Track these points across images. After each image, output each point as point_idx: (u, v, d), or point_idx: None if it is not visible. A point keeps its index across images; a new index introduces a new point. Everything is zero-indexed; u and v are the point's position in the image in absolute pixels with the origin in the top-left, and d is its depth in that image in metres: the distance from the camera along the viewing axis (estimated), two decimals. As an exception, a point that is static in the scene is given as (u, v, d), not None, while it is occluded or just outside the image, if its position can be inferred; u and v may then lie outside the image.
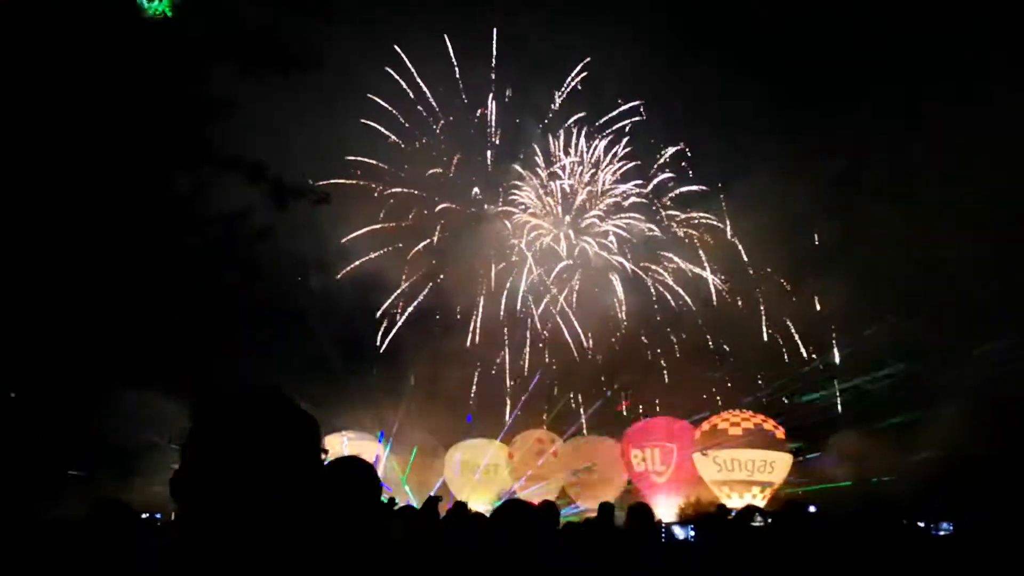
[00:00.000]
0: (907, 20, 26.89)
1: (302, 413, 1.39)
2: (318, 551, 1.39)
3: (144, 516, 11.34)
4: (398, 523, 2.42)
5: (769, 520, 4.62)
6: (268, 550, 1.22)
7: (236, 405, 1.32)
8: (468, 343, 31.42)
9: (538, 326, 32.03)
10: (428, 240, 31.85)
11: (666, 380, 30.56)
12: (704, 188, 32.66)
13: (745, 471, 22.68)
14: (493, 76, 32.57)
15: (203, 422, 1.29)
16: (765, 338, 30.71)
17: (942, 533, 10.57)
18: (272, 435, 1.29)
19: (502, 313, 31.73)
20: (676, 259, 32.20)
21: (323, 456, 1.43)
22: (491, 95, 32.94)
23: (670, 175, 33.10)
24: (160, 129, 7.22)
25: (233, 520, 1.21)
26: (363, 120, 31.18)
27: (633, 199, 33.25)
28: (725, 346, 31.04)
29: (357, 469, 2.48)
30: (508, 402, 30.45)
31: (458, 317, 31.62)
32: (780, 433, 23.22)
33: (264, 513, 1.22)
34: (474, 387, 30.59)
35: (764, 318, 30.73)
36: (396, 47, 31.14)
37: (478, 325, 31.73)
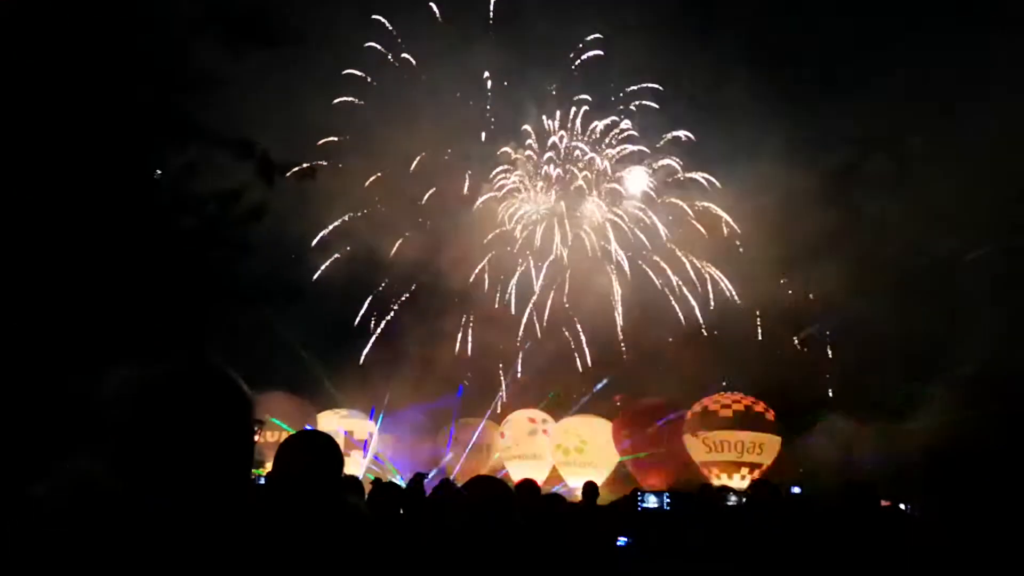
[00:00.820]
0: (913, 10, 26.73)
1: (228, 383, 1.28)
2: (251, 527, 1.33)
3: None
4: (359, 498, 2.44)
5: (743, 500, 4.69)
6: (192, 526, 1.17)
7: (152, 377, 1.24)
8: (461, 326, 31.47)
9: (533, 312, 32.02)
10: (420, 223, 31.75)
11: (659, 366, 30.60)
12: (706, 176, 32.39)
13: (734, 452, 22.84)
14: (489, 58, 32.25)
15: (116, 396, 1.23)
16: (759, 327, 30.78)
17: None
18: (188, 407, 1.22)
19: (496, 299, 31.73)
20: (675, 248, 32.14)
21: (254, 428, 1.35)
22: (486, 75, 32.65)
23: (670, 162, 32.88)
24: (138, 106, 7.14)
25: (154, 496, 1.17)
26: (349, 98, 30.90)
27: (630, 185, 33.09)
28: (715, 332, 31.06)
29: (313, 443, 2.49)
30: (503, 383, 30.54)
31: (456, 301, 31.59)
32: (770, 415, 23.36)
33: (185, 487, 1.18)
34: (467, 375, 30.63)
35: (757, 311, 30.72)
36: (389, 26, 30.82)
37: (471, 308, 31.76)
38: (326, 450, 2.50)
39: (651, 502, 6.84)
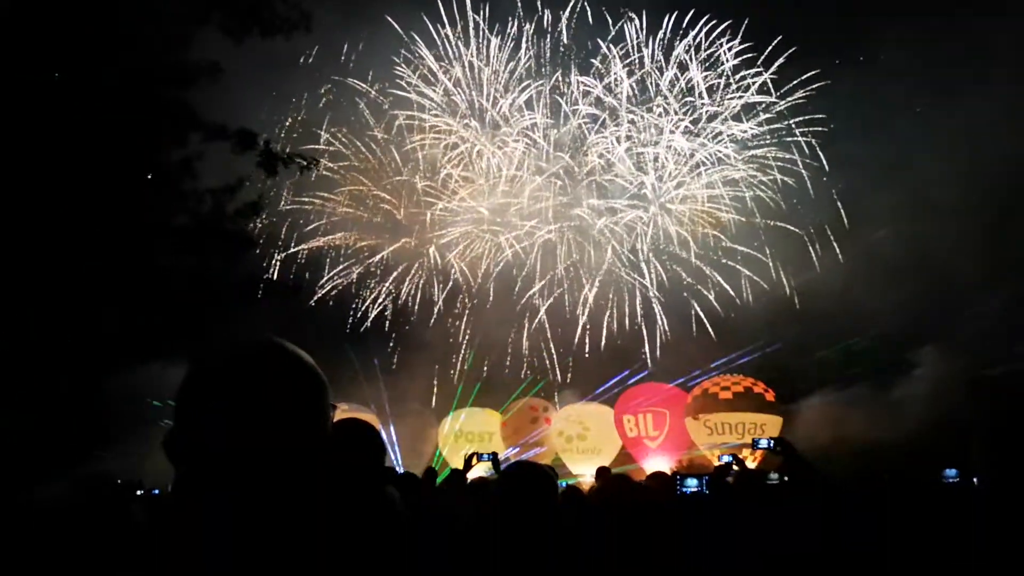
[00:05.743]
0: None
1: (305, 363, 1.25)
2: (322, 514, 1.27)
3: (140, 492, 11.33)
4: (396, 489, 2.38)
5: (785, 478, 4.65)
6: (269, 513, 1.10)
7: (230, 356, 1.19)
8: (460, 312, 31.34)
9: (536, 298, 31.88)
10: (425, 207, 31.44)
11: (658, 346, 30.63)
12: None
13: (736, 434, 22.90)
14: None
15: (194, 376, 1.18)
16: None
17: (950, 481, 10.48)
18: (272, 386, 1.17)
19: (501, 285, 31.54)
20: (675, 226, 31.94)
21: (331, 411, 1.29)
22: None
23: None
24: (141, 97, 7.02)
25: (228, 480, 1.10)
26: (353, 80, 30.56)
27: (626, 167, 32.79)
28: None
29: (361, 431, 2.41)
30: (526, 375, 30.33)
31: (467, 287, 31.36)
32: (770, 396, 23.42)
33: (264, 470, 1.11)
34: (464, 357, 30.53)
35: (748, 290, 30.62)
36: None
37: (469, 296, 31.62)
38: (373, 440, 2.43)
39: (691, 486, 6.75)
